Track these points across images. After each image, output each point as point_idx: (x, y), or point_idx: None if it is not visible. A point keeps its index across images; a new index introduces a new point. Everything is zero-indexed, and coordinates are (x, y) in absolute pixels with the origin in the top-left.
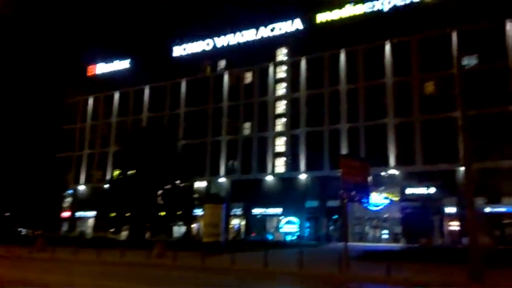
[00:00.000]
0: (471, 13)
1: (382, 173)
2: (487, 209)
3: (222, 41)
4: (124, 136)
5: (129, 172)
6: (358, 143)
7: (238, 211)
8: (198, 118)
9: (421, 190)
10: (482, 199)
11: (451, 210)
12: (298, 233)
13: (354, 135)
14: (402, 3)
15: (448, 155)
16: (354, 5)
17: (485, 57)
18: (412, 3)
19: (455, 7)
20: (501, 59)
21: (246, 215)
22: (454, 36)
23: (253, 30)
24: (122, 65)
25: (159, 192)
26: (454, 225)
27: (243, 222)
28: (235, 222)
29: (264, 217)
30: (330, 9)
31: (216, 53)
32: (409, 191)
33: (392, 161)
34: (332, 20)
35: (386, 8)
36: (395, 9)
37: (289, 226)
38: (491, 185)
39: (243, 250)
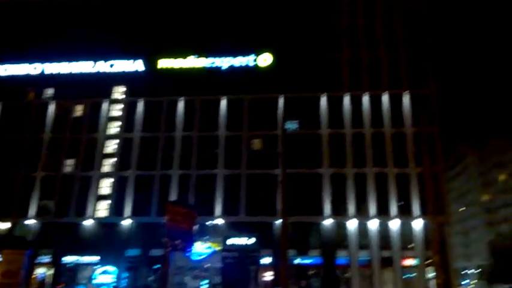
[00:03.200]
0: (296, 83)
1: (208, 222)
2: (297, 261)
3: (52, 67)
4: None
5: None
6: (188, 191)
7: (46, 258)
8: (10, 147)
9: (242, 241)
10: (293, 251)
11: (266, 261)
12: (114, 284)
13: (184, 183)
14: (239, 65)
15: (267, 208)
16: (197, 58)
17: (304, 123)
18: (247, 66)
19: (284, 76)
20: (316, 126)
21: (56, 263)
22: (281, 102)
23: (90, 63)
24: None
25: None
26: (269, 276)
27: (51, 272)
28: (40, 271)
29: (77, 266)
30: (174, 56)
31: (44, 80)
32: (230, 241)
33: (218, 210)
34: (173, 68)
35: (224, 66)
36: (232, 68)
37: (105, 276)
38: (301, 238)
39: None
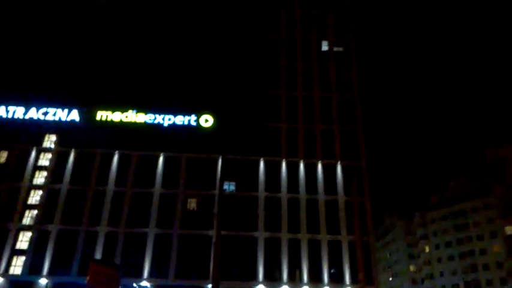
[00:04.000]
0: (236, 146)
1: (134, 284)
2: None
3: None
4: None
5: None
6: (115, 249)
7: None
8: None
9: None
10: None
11: None
12: None
13: (112, 240)
14: (180, 123)
15: (199, 271)
16: (137, 113)
17: (241, 185)
18: (189, 125)
19: (224, 138)
20: (253, 189)
21: None
22: (219, 163)
23: (21, 109)
24: None
25: None
26: None
27: None
28: None
29: None
30: (112, 110)
31: None
32: None
33: (146, 272)
34: (112, 121)
35: (165, 123)
36: (174, 126)
37: None
38: None
39: None
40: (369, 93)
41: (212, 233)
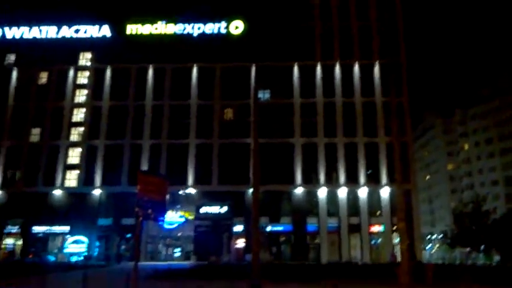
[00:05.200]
0: (269, 52)
1: (180, 192)
2: (269, 228)
3: (13, 32)
4: None
5: None
6: (159, 160)
7: (14, 229)
8: None
9: (214, 209)
10: (265, 219)
11: (239, 228)
12: (85, 254)
13: (155, 152)
14: (210, 32)
15: (240, 177)
16: (166, 24)
17: (276, 92)
18: (219, 33)
19: (256, 45)
20: (288, 96)
21: (25, 233)
22: (253, 71)
23: (54, 28)
24: None
25: None
26: (241, 243)
27: (20, 242)
28: (9, 241)
29: (47, 236)
30: (142, 22)
31: (5, 45)
32: (203, 210)
33: (190, 180)
34: (142, 34)
35: (195, 33)
36: (203, 35)
37: (76, 246)
38: (272, 206)
39: (15, 275)
40: None
41: (250, 140)
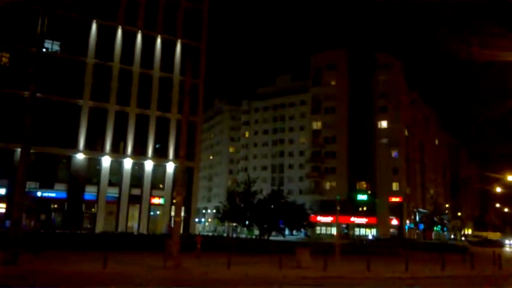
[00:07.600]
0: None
1: None
2: (39, 193)
3: None
4: None
5: None
6: None
7: None
8: None
9: None
10: (35, 183)
11: (1, 192)
12: None
13: None
14: None
15: (10, 134)
16: None
17: (68, 48)
18: None
19: None
20: (83, 54)
21: None
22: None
23: None
24: None
25: None
26: (1, 208)
27: None
28: None
29: None
30: None
31: None
32: None
33: None
34: None
35: None
36: None
37: None
38: (47, 170)
39: None
40: None
41: (27, 94)
